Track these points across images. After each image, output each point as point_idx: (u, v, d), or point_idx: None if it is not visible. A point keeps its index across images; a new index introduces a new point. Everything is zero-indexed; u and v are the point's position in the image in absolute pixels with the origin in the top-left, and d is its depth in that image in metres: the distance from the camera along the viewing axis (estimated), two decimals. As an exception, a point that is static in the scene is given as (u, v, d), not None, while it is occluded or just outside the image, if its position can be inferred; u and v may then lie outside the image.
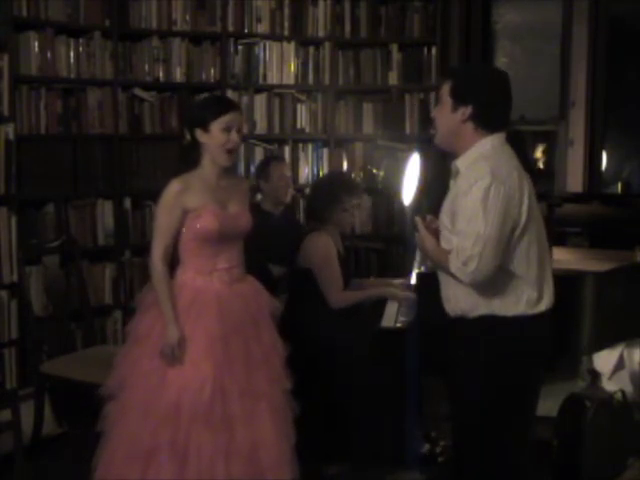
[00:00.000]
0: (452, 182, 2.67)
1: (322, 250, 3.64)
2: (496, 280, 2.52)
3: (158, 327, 2.87)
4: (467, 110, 2.56)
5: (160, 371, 2.83)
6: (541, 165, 5.55)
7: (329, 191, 3.72)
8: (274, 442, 2.87)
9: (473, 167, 2.54)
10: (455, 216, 2.54)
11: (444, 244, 2.61)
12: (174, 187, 2.88)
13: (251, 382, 2.87)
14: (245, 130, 4.97)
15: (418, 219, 2.68)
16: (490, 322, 2.57)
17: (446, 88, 2.61)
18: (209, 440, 2.78)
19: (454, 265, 2.49)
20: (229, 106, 2.96)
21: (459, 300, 2.62)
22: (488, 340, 2.58)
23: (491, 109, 2.59)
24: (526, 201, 2.51)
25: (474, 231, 2.45)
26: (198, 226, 2.87)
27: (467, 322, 2.61)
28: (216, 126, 2.88)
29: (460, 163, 2.62)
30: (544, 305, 2.60)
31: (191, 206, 2.88)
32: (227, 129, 2.89)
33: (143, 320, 2.94)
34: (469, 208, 2.47)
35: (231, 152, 2.93)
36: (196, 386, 2.78)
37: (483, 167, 2.50)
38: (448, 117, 2.61)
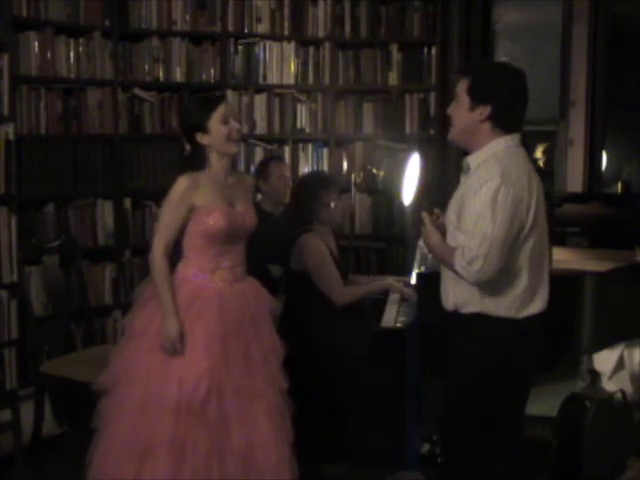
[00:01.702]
0: (462, 178, 2.65)
1: (313, 251, 3.65)
2: (494, 280, 2.52)
3: (155, 322, 2.87)
4: (485, 110, 2.53)
5: (157, 367, 2.83)
6: (541, 165, 5.56)
7: (306, 191, 3.74)
8: (272, 442, 2.87)
9: (484, 166, 2.53)
10: (462, 213, 2.53)
11: (449, 240, 2.60)
12: (183, 183, 2.88)
13: (248, 382, 2.87)
14: (245, 130, 4.97)
15: (425, 214, 2.66)
16: (480, 320, 2.57)
17: (463, 86, 2.57)
18: (205, 438, 2.78)
19: (459, 264, 2.49)
20: (217, 99, 3.00)
21: (453, 294, 2.62)
22: (475, 338, 2.58)
23: (510, 110, 2.55)
24: (533, 205, 2.51)
25: (481, 231, 2.44)
26: (207, 224, 2.87)
27: (459, 317, 2.61)
28: (214, 122, 2.89)
29: (471, 160, 2.60)
30: (537, 308, 2.59)
31: (199, 203, 2.88)
32: (225, 120, 2.90)
33: (140, 315, 2.94)
34: (478, 208, 2.46)
35: (237, 140, 2.94)
36: (192, 383, 2.78)
37: (494, 168, 2.48)
38: (465, 116, 2.57)
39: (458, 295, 2.61)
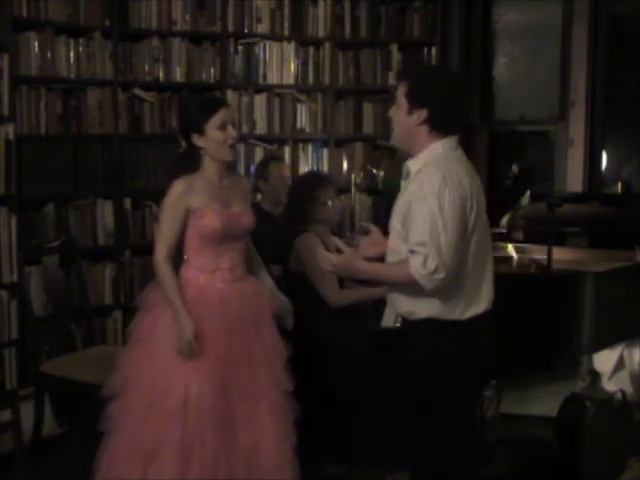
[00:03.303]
0: (404, 183, 2.68)
1: (311, 252, 3.64)
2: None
3: (159, 326, 2.88)
4: (422, 114, 2.57)
5: (162, 370, 2.84)
6: (540, 165, 5.55)
7: (303, 192, 3.73)
8: (275, 443, 2.88)
9: (425, 172, 2.55)
10: (408, 221, 2.54)
11: (394, 248, 2.61)
12: (178, 187, 2.90)
13: (252, 382, 2.89)
14: (245, 130, 4.98)
15: (336, 238, 2.70)
16: (428, 325, 2.57)
17: (402, 89, 2.63)
18: (212, 439, 2.78)
19: (418, 273, 2.47)
20: (218, 104, 2.98)
21: (401, 303, 2.64)
22: (424, 342, 2.59)
23: (446, 114, 2.59)
24: (475, 207, 2.52)
25: (437, 240, 2.44)
26: (202, 225, 2.89)
27: (411, 324, 2.62)
28: (211, 126, 2.90)
29: (412, 165, 2.63)
30: (482, 307, 2.59)
31: (195, 206, 2.89)
32: (222, 126, 2.91)
33: (145, 319, 2.94)
34: (427, 217, 2.46)
35: (232, 146, 2.95)
36: (197, 384, 2.79)
37: (435, 173, 2.50)
38: (403, 119, 2.62)
39: (405, 304, 2.62)
